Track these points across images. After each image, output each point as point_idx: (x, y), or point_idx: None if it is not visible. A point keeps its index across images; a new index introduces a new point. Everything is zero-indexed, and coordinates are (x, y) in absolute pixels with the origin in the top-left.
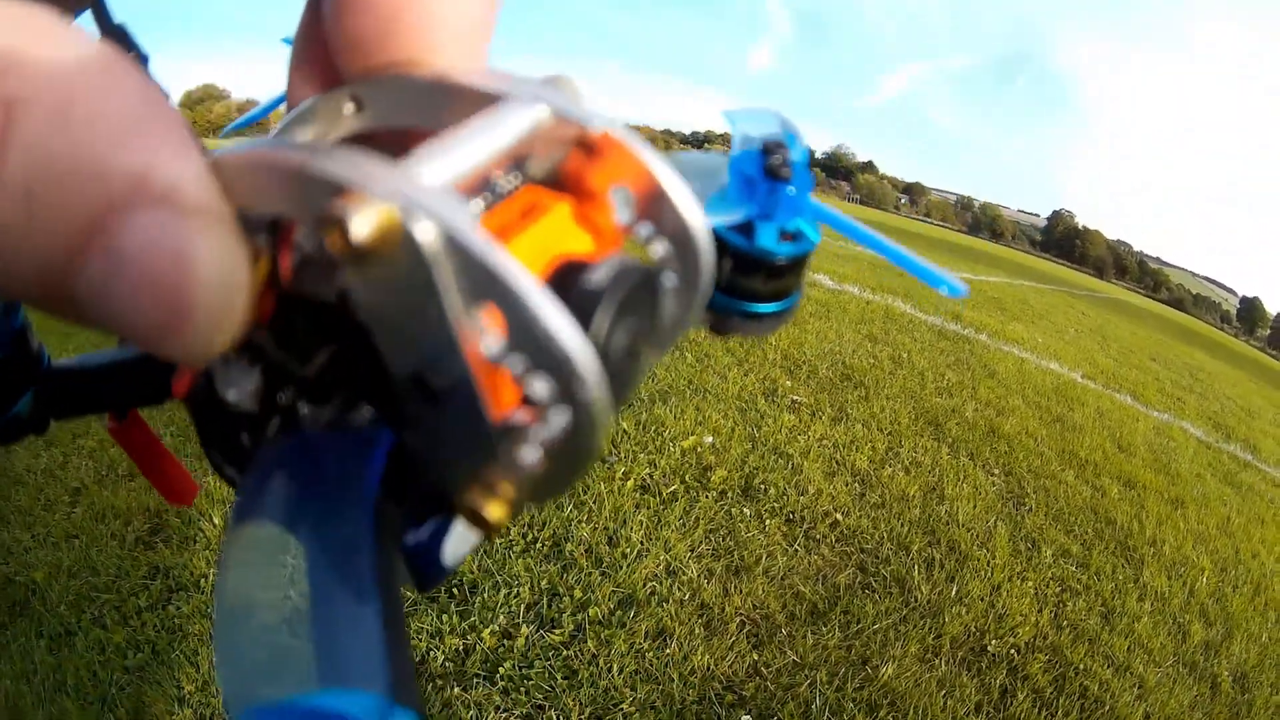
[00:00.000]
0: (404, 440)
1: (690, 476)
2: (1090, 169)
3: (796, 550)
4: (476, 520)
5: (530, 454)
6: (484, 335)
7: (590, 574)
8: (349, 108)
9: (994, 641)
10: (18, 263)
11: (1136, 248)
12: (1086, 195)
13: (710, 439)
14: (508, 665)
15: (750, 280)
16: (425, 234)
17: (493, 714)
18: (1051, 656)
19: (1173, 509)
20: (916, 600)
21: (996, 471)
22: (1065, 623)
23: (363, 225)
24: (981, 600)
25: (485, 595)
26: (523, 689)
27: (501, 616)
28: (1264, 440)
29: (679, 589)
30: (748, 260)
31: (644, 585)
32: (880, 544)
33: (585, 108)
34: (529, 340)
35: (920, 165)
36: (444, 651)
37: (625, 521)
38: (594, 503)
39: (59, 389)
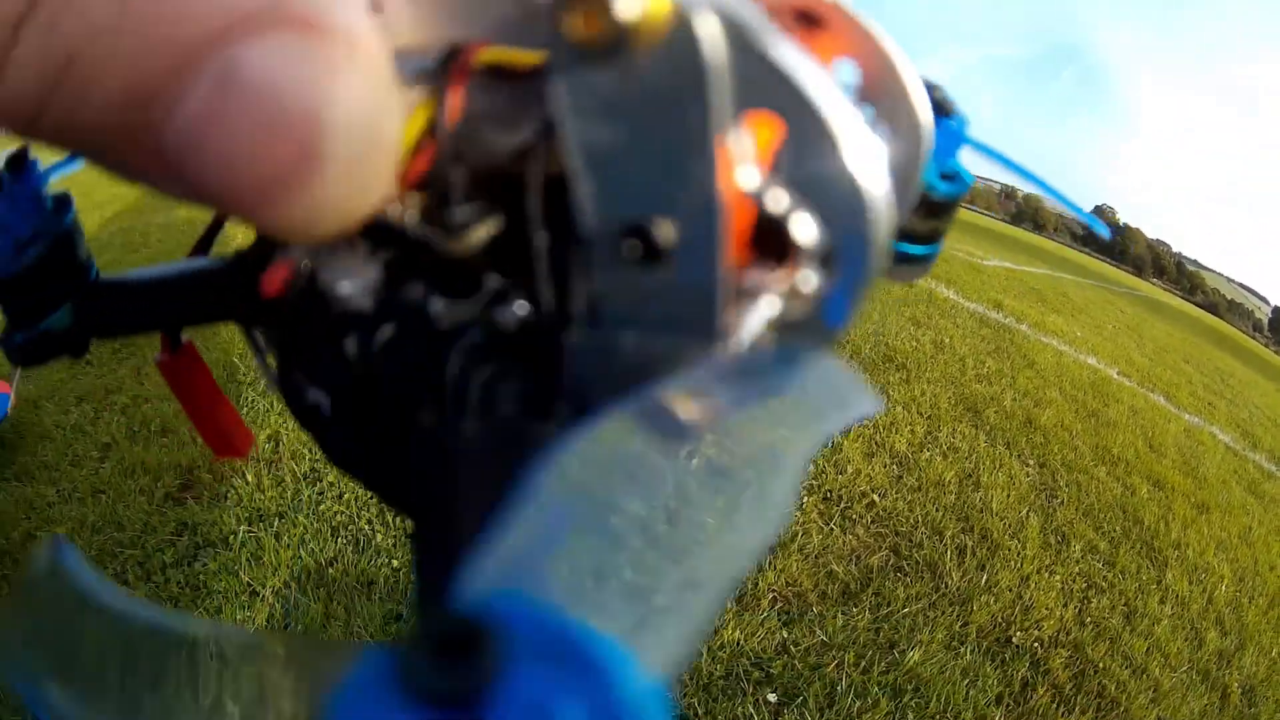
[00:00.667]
0: (571, 337)
1: None
2: (1132, 166)
3: (832, 529)
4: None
5: (761, 332)
6: (744, 163)
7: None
8: None
9: (1019, 633)
10: (101, 79)
11: (1175, 248)
12: (1128, 192)
13: None
14: None
15: (910, 219)
16: (706, 25)
17: None
18: (1073, 653)
19: (1198, 513)
20: (947, 587)
21: (1031, 462)
22: (1089, 619)
23: (631, 2)
24: (1009, 591)
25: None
26: None
27: None
28: None
29: None
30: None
31: None
32: (915, 527)
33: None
34: (816, 169)
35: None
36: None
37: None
38: None
39: (103, 303)
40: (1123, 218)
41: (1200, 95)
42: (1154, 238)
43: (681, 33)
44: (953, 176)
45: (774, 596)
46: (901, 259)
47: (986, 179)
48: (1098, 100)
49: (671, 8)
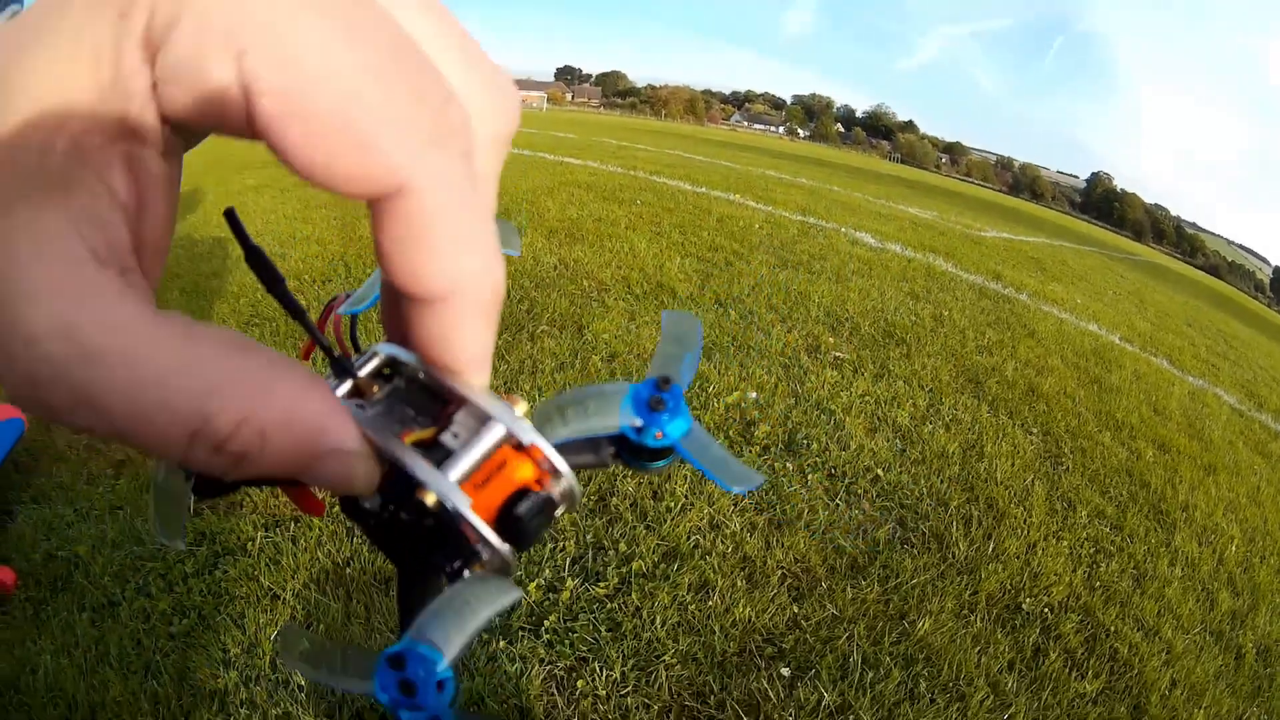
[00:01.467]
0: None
1: (734, 431)
2: (1127, 132)
3: (838, 505)
4: (468, 571)
5: (489, 565)
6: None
7: (635, 528)
8: (423, 375)
9: (1028, 600)
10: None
11: (1174, 212)
12: (1124, 159)
13: (754, 395)
14: (552, 619)
15: (642, 455)
16: (447, 502)
17: (537, 667)
18: (1084, 617)
19: (1205, 475)
20: (954, 557)
21: (1035, 431)
22: (1098, 584)
23: (430, 500)
24: (1017, 559)
25: (531, 550)
26: (567, 641)
27: (547, 570)
28: None
29: (722, 542)
30: (640, 448)
31: (687, 539)
32: (920, 500)
33: (522, 429)
34: (486, 544)
35: (959, 126)
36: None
37: (669, 476)
38: None
39: None
40: (1119, 184)
41: (1193, 60)
42: (1151, 202)
43: (444, 509)
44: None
45: (783, 573)
46: (646, 469)
47: (982, 151)
48: (1089, 68)
49: (439, 501)
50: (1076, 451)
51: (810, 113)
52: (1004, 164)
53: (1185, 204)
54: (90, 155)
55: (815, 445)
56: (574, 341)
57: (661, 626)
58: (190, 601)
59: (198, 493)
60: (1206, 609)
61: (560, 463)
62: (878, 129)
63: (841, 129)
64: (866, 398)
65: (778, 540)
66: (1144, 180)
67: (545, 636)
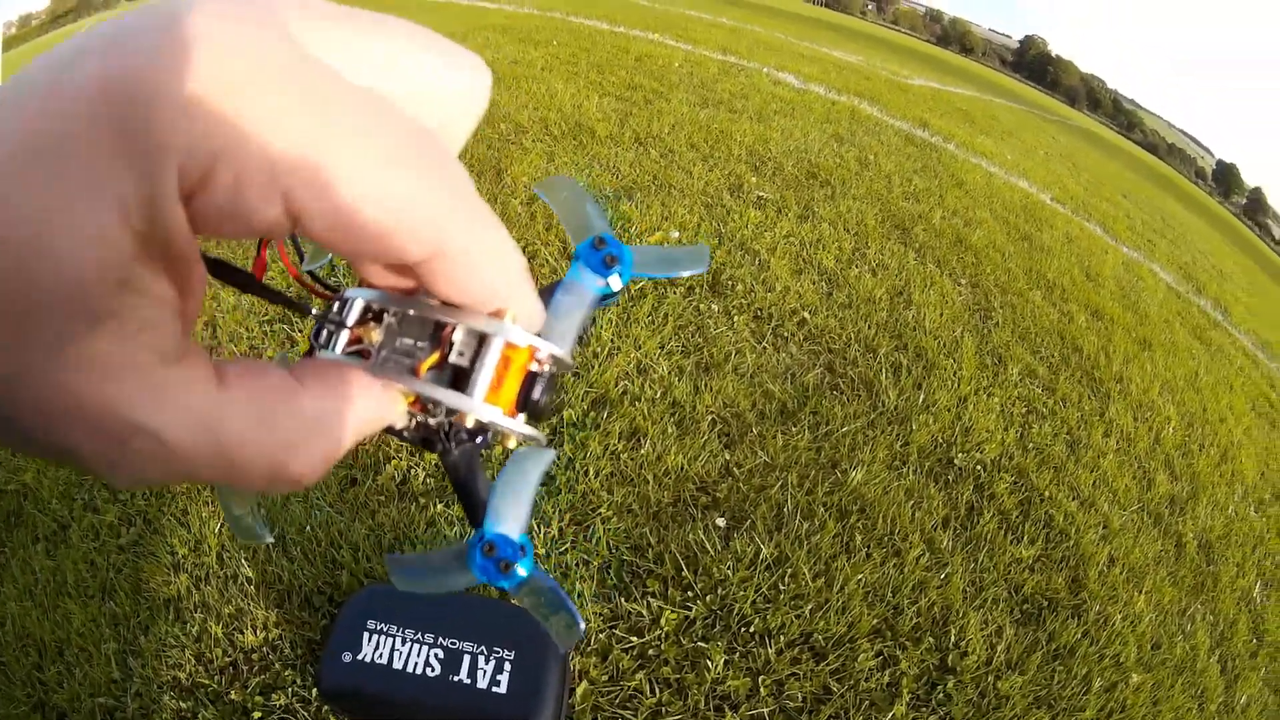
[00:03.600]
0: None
1: None
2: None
3: (765, 348)
4: (502, 446)
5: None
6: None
7: (562, 375)
8: (411, 311)
9: (960, 455)
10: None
11: (1111, 85)
12: (1061, 26)
13: (676, 234)
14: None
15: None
16: (486, 420)
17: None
18: (1017, 478)
19: (1140, 349)
20: (884, 405)
21: (964, 282)
22: (1031, 445)
23: (469, 423)
24: (948, 411)
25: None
26: None
27: None
28: (1235, 304)
29: (650, 387)
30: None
31: (616, 384)
32: (848, 345)
33: (518, 336)
34: (519, 434)
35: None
36: (425, 468)
37: (595, 320)
38: None
39: None
40: (1055, 50)
41: None
42: (1088, 72)
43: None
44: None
45: (713, 419)
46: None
47: (911, 1)
48: None
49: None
50: (1006, 307)
51: None
52: (934, 16)
53: (1124, 82)
54: (138, 284)
55: (740, 286)
56: (493, 186)
57: (595, 478)
58: (135, 508)
59: None
60: (1143, 488)
61: (560, 351)
62: None
63: None
64: (791, 239)
65: (706, 384)
66: (1081, 52)
67: None
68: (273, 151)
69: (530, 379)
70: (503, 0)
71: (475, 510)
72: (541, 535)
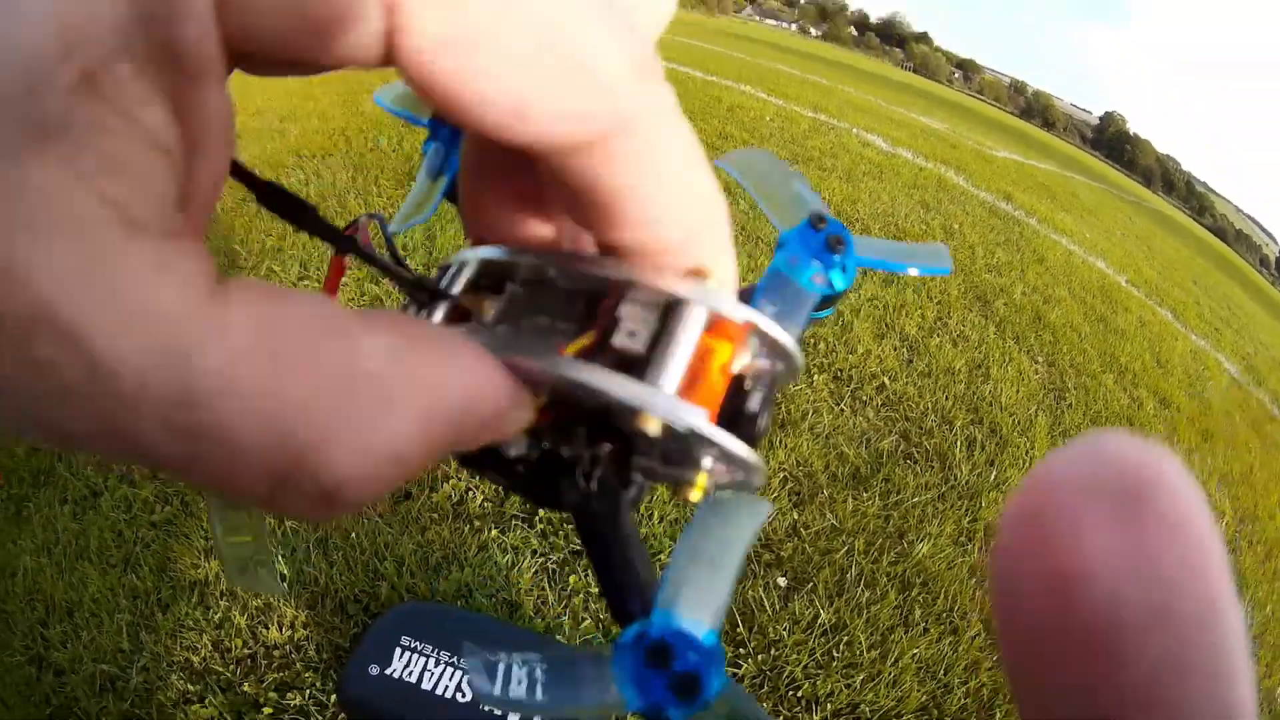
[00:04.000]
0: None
1: None
2: (1146, 77)
3: (843, 410)
4: (681, 494)
5: (721, 478)
6: (705, 454)
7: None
8: (550, 271)
9: None
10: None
11: (1185, 167)
12: (1139, 103)
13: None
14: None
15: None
16: (682, 426)
17: (529, 558)
18: None
19: (1202, 440)
20: (956, 479)
21: (1040, 360)
22: None
23: (654, 430)
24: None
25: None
26: (561, 533)
27: None
28: None
29: None
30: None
31: None
32: (924, 415)
33: (732, 307)
34: (730, 459)
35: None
36: (483, 493)
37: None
38: None
39: None
40: (1133, 128)
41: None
42: (1164, 152)
43: (671, 431)
44: (844, 271)
45: (784, 476)
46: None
47: (995, 71)
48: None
49: (667, 424)
50: (1080, 388)
51: (824, 13)
52: (1018, 88)
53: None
54: (113, 91)
55: (823, 345)
56: None
57: (659, 523)
58: (173, 487)
59: None
60: None
61: (784, 337)
62: (891, 36)
63: (855, 32)
64: (875, 302)
65: (781, 441)
66: (1156, 129)
67: (539, 526)
68: None
69: (738, 386)
70: None
71: (627, 590)
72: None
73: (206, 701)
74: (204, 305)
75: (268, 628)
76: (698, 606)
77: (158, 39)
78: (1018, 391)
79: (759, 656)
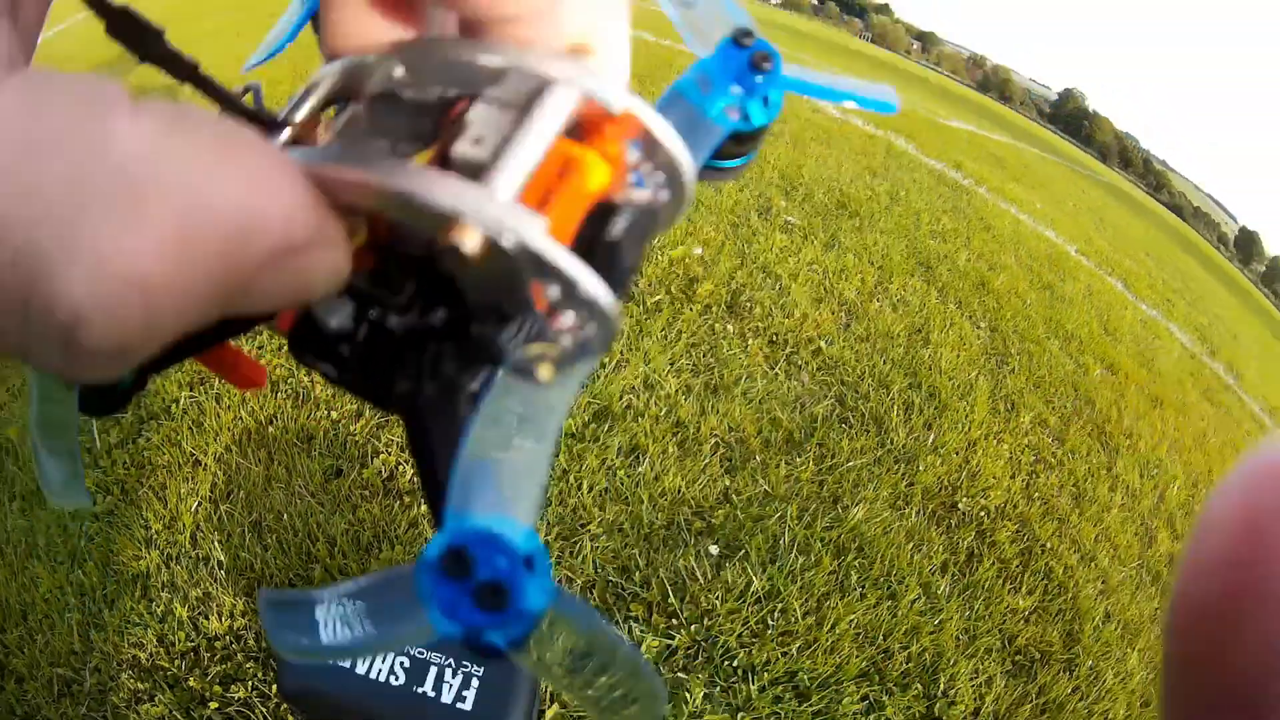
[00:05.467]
0: (474, 330)
1: (676, 287)
2: (1108, 55)
3: (777, 375)
4: (526, 375)
5: (570, 344)
6: (546, 291)
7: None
8: (399, 72)
9: (965, 500)
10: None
11: (1144, 145)
12: (1100, 81)
13: (699, 250)
14: None
15: (726, 144)
16: (510, 244)
17: None
18: (1020, 527)
19: (1151, 406)
20: (892, 443)
21: (983, 325)
22: (1036, 495)
23: (471, 245)
24: (956, 454)
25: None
26: None
27: None
28: (1247, 369)
29: (655, 404)
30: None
31: (620, 398)
32: (861, 379)
33: (608, 87)
34: (575, 298)
35: (934, 18)
36: (413, 467)
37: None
38: None
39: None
40: (1092, 105)
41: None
42: (1123, 130)
43: (498, 251)
44: (766, 101)
45: (716, 442)
46: (720, 171)
47: (955, 44)
48: None
49: (490, 240)
50: (1023, 354)
51: None
52: (976, 61)
53: (1156, 143)
54: None
55: (759, 309)
56: None
57: (589, 493)
58: (114, 475)
59: (86, 409)
60: (1145, 545)
61: (676, 145)
62: (851, 6)
63: (814, 0)
64: (814, 266)
65: (713, 406)
66: (1117, 108)
67: None
68: None
69: (604, 211)
70: None
71: (435, 485)
72: None
73: (156, 700)
74: None
75: (208, 617)
76: (502, 500)
77: None
78: (958, 356)
79: (692, 627)
